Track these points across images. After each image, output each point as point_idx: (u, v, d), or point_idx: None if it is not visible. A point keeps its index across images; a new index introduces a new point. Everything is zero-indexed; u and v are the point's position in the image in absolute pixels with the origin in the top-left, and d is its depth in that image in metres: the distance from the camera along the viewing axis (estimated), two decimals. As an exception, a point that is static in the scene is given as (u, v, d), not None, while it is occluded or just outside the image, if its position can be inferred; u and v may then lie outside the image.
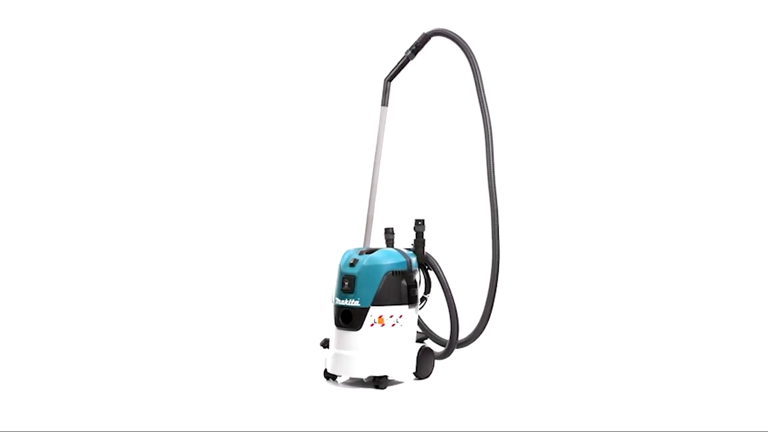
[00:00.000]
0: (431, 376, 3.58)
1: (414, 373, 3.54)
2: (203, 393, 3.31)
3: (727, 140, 5.01)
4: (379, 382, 3.42)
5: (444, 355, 3.66)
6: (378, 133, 3.77)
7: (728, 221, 4.95)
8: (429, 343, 3.69)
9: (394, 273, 3.46)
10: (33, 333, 4.31)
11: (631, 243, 5.01)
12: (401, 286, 3.47)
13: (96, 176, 5.12)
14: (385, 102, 3.79)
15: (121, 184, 5.14)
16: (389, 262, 3.47)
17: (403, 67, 3.76)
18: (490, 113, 3.58)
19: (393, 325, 3.44)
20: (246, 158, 5.15)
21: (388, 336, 3.44)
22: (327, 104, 5.05)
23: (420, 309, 3.65)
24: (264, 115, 5.15)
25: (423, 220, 3.65)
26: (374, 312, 3.43)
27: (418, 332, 3.69)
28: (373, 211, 3.78)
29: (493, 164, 3.57)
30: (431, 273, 3.65)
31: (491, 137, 3.57)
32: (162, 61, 5.15)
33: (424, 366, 3.55)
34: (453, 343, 3.61)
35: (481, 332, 3.66)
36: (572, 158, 5.08)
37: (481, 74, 3.59)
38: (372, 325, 3.42)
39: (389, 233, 3.73)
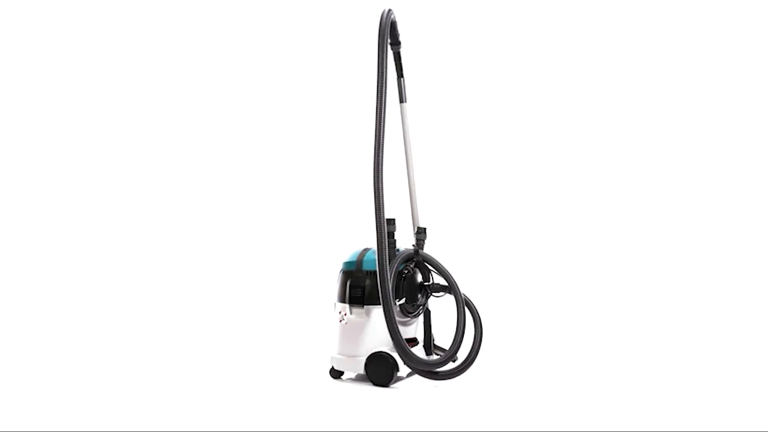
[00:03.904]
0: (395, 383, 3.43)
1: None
2: (210, 393, 3.38)
3: (687, 139, 4.98)
4: (331, 372, 3.56)
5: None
6: (403, 131, 3.66)
7: (710, 218, 4.93)
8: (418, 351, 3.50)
9: (344, 272, 3.54)
10: (32, 333, 4.33)
11: (613, 240, 4.95)
12: (347, 285, 3.50)
13: (97, 176, 5.07)
14: (402, 99, 3.65)
15: (144, 184, 5.12)
16: (343, 260, 3.56)
17: (400, 61, 3.58)
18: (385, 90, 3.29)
19: (340, 321, 3.52)
20: (261, 162, 5.07)
21: (336, 330, 3.55)
22: (338, 105, 4.87)
23: (414, 315, 3.54)
24: (273, 117, 5.05)
25: (393, 219, 3.50)
26: (335, 307, 3.57)
27: (414, 339, 3.56)
28: (417, 212, 3.67)
29: (382, 145, 3.27)
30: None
31: (383, 104, 3.29)
32: (181, 58, 5.13)
33: (371, 372, 3.43)
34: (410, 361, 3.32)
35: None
36: (558, 152, 5.00)
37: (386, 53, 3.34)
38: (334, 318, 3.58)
39: (421, 233, 3.66)
